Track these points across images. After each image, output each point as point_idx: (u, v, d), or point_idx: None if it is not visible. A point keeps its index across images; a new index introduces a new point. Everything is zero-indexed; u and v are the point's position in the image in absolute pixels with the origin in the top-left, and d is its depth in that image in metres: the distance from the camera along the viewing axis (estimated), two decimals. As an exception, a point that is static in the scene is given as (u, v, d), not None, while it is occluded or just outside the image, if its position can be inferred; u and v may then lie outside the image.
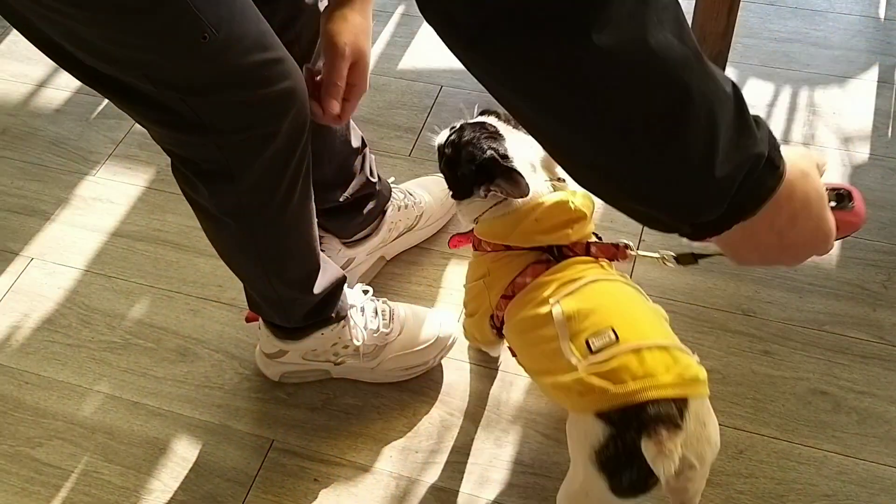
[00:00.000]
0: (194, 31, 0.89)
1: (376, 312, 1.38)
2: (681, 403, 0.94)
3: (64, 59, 0.95)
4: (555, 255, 1.13)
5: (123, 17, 0.86)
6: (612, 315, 1.03)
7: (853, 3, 2.00)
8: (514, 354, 1.21)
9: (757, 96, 1.80)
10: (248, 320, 1.39)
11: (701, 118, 0.61)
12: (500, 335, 1.22)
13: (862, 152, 1.67)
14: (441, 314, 1.43)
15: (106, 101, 1.91)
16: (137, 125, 1.85)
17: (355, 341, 1.34)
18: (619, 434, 0.95)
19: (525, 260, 1.14)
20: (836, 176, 1.63)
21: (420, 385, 1.39)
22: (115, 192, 1.74)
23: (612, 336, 0.99)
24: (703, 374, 0.99)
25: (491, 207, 1.15)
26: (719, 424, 1.31)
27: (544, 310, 1.06)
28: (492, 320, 1.20)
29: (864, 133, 1.71)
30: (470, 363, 1.42)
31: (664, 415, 0.93)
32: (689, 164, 0.63)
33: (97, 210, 1.71)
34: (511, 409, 1.36)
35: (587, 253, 1.12)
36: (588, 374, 0.98)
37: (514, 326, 1.14)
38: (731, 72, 1.84)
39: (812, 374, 1.36)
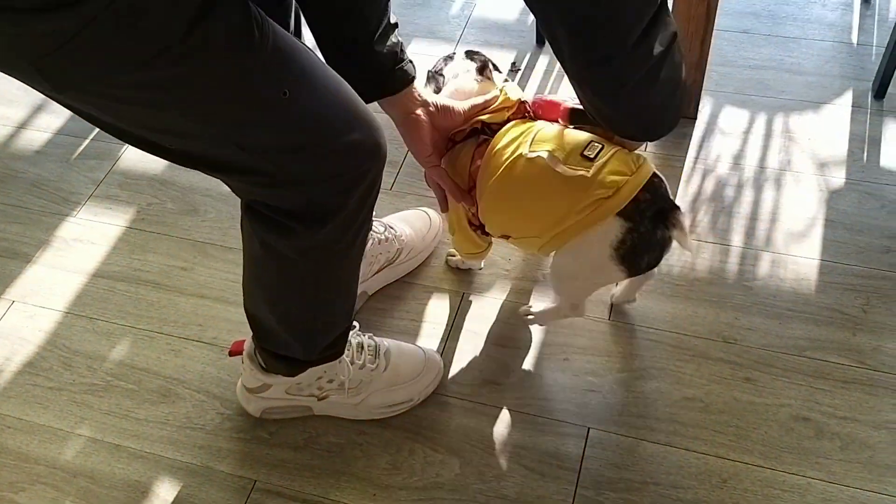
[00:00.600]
0: (275, 89, 0.94)
1: (362, 347, 1.37)
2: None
3: (151, 147, 0.99)
4: (487, 133, 1.27)
5: (210, 94, 0.90)
6: (576, 134, 1.21)
7: (826, 30, 2.03)
8: (506, 238, 1.32)
9: (733, 123, 1.82)
10: (231, 354, 1.38)
11: (679, 90, 1.12)
12: (485, 234, 1.35)
13: (838, 177, 1.69)
14: (426, 350, 1.43)
15: (87, 141, 1.93)
16: (118, 165, 1.87)
17: (341, 376, 1.34)
18: (635, 227, 1.15)
19: (468, 150, 1.28)
20: (812, 202, 1.65)
21: (403, 421, 1.39)
22: (95, 232, 1.74)
23: (597, 143, 1.18)
24: None
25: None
26: (702, 453, 1.32)
27: (524, 163, 1.20)
28: (470, 224, 1.34)
29: (840, 158, 1.73)
30: (454, 398, 1.42)
31: (666, 197, 1.18)
32: (675, 107, 1.15)
33: (78, 251, 1.71)
34: (495, 444, 1.35)
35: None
36: (605, 176, 1.15)
37: (498, 193, 1.24)
38: (706, 100, 1.86)
39: (794, 401, 1.37)
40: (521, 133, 1.24)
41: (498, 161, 1.23)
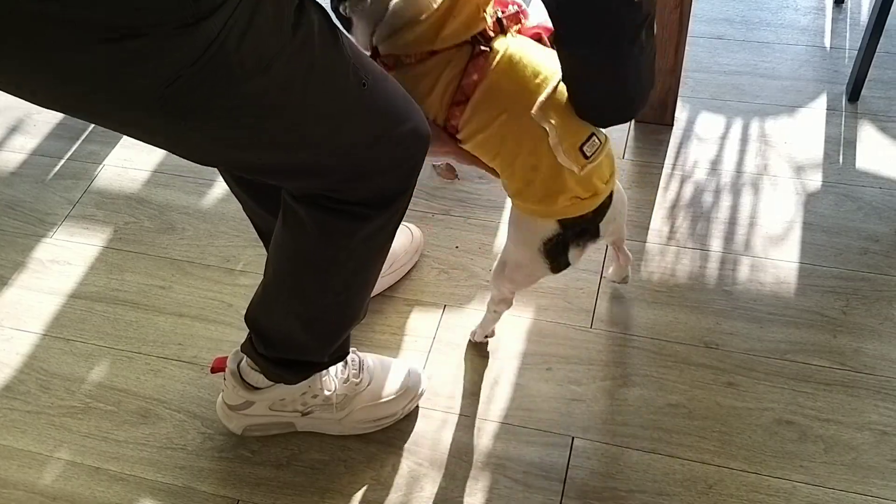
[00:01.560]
0: (358, 81, 0.99)
1: (346, 362, 1.36)
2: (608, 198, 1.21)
3: (242, 168, 1.05)
4: (482, 43, 1.16)
5: (313, 92, 0.94)
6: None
7: (799, 34, 2.04)
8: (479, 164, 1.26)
9: (709, 129, 1.82)
10: (213, 371, 1.36)
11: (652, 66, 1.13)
12: (457, 142, 1.24)
13: (814, 180, 1.70)
14: (409, 364, 1.42)
15: (62, 161, 1.91)
16: (94, 184, 1.85)
17: (325, 391, 1.33)
18: (563, 233, 1.20)
19: (460, 60, 1.16)
20: (790, 205, 1.66)
21: (387, 436, 1.38)
22: (72, 253, 1.72)
23: (598, 140, 1.16)
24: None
25: (381, 23, 1.16)
26: (687, 459, 1.32)
27: (527, 121, 1.14)
28: (444, 130, 1.23)
29: (816, 161, 1.74)
30: (437, 411, 1.41)
31: (591, 229, 1.22)
32: (651, 81, 1.14)
33: (55, 272, 1.69)
34: (479, 456, 1.35)
35: (502, 28, 1.17)
36: (589, 178, 1.16)
37: (493, 140, 1.18)
38: (683, 106, 1.87)
39: (777, 404, 1.37)
40: (543, 66, 1.15)
41: (508, 104, 1.15)
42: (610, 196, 1.22)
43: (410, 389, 1.39)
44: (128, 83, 0.81)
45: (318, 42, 0.92)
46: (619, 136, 1.83)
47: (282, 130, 0.96)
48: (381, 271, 1.54)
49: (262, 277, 1.25)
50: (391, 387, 1.38)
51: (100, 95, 0.83)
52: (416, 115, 1.10)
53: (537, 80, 1.15)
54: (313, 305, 1.23)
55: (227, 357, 1.33)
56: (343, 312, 1.26)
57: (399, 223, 1.19)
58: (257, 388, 1.31)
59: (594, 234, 1.23)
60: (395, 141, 1.08)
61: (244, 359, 1.31)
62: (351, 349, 1.39)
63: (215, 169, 1.36)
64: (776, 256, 1.57)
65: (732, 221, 1.64)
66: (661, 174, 1.74)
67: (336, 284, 1.21)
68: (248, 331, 1.28)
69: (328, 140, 1.01)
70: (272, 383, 1.30)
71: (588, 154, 1.15)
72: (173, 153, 0.99)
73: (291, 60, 0.89)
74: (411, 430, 1.39)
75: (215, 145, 0.97)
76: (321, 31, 0.93)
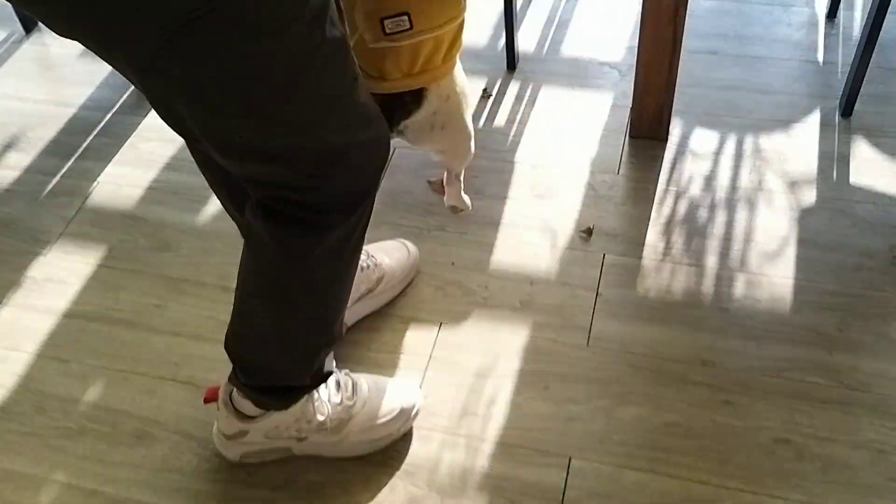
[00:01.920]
0: (353, 72, 1.02)
1: (339, 385, 1.36)
2: (420, 93, 1.14)
3: (223, 143, 1.02)
4: None
5: (320, 67, 0.95)
6: None
7: (792, 49, 2.05)
8: None
9: (704, 145, 1.83)
10: (206, 401, 1.36)
11: None
12: None
13: (809, 196, 1.70)
14: (403, 383, 1.42)
15: (56, 179, 1.91)
16: (89, 202, 1.85)
17: (319, 416, 1.32)
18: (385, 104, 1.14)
19: None
20: (784, 221, 1.66)
21: (384, 457, 1.38)
22: (67, 271, 1.72)
23: (407, 23, 1.06)
24: (443, 61, 1.14)
25: None
26: (685, 479, 1.32)
27: None
28: None
29: (810, 176, 1.74)
30: (434, 431, 1.41)
31: (396, 116, 1.16)
32: None
33: (49, 291, 1.68)
34: (476, 476, 1.34)
35: None
36: (380, 60, 1.09)
37: None
38: (677, 122, 1.87)
39: (774, 423, 1.37)
40: None
41: None
42: (418, 98, 1.12)
43: (406, 409, 1.38)
44: (142, 11, 0.80)
45: (328, 22, 0.92)
46: (614, 151, 1.83)
47: (276, 103, 0.95)
48: (380, 288, 1.56)
49: None
50: (386, 407, 1.37)
51: (113, 22, 0.82)
52: (381, 122, 1.11)
53: None
54: (283, 327, 1.23)
55: (219, 387, 1.33)
56: (315, 332, 1.25)
57: (362, 237, 1.19)
58: (251, 418, 1.30)
59: (407, 111, 1.16)
60: (363, 142, 1.08)
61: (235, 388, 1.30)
62: (344, 371, 1.38)
63: (210, 187, 1.35)
64: (771, 273, 1.58)
65: (727, 237, 1.64)
66: (655, 190, 1.74)
67: (303, 303, 1.21)
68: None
69: (313, 124, 1.00)
70: (263, 411, 1.30)
71: (388, 30, 1.06)
72: (168, 109, 0.97)
73: (302, 33, 0.89)
74: (408, 451, 1.38)
75: (207, 106, 0.95)
76: (332, 13, 0.93)
